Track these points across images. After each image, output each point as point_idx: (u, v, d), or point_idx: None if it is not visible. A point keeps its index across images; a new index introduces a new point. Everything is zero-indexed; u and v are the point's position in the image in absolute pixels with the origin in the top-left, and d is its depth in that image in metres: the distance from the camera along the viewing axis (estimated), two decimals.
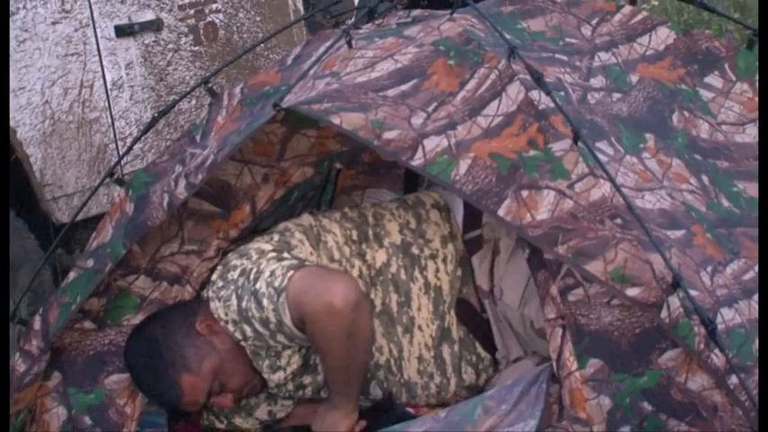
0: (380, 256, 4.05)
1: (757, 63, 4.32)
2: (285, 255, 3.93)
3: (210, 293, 3.99)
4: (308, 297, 3.81)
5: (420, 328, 4.03)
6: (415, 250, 4.07)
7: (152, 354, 4.01)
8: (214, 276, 4.03)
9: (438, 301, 4.03)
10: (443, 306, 4.03)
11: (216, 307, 3.96)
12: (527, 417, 3.55)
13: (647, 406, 3.45)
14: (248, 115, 4.03)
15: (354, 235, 4.07)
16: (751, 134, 4.15)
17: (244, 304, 3.89)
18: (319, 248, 4.02)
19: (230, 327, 3.95)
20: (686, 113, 4.07)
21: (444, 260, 4.07)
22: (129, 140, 5.23)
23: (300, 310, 3.84)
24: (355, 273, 4.02)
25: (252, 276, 3.88)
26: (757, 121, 4.19)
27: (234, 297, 3.91)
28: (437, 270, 4.06)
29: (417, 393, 4.10)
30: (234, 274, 3.92)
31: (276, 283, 3.83)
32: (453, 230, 4.13)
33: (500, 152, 3.66)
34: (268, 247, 3.97)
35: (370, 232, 4.09)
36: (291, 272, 3.83)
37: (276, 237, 4.02)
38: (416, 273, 4.04)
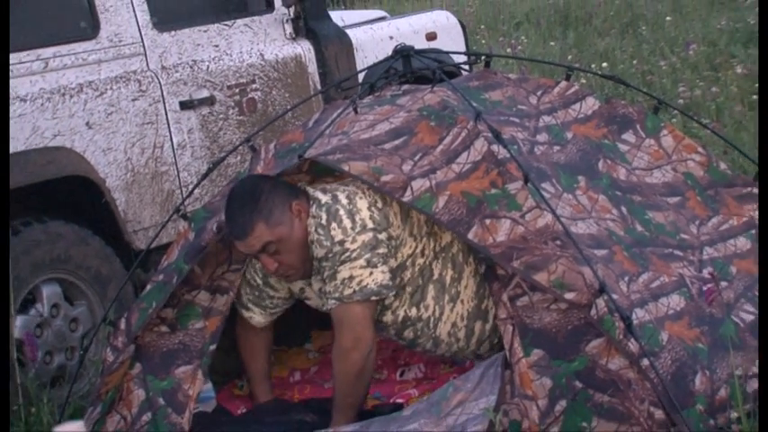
0: (446, 237, 3.90)
1: (661, 124, 4.36)
2: (372, 258, 3.77)
3: (310, 221, 3.84)
4: (347, 329, 3.81)
5: (462, 302, 3.91)
6: None
7: (252, 194, 3.86)
8: (323, 197, 3.85)
9: (480, 286, 3.90)
10: (483, 290, 3.89)
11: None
12: (488, 393, 3.54)
13: (578, 384, 3.45)
14: (280, 165, 4.05)
15: None
16: (657, 177, 4.17)
17: (323, 263, 3.81)
18: (406, 223, 3.86)
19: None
20: (609, 161, 4.09)
21: None
22: (190, 187, 5.23)
23: (337, 324, 3.83)
24: (426, 249, 3.89)
25: (342, 258, 3.76)
26: (663, 166, 4.22)
27: (323, 251, 3.79)
28: (485, 259, 3.86)
29: (441, 348, 4.00)
30: (335, 233, 3.77)
31: (346, 292, 3.77)
32: None
33: (469, 190, 3.69)
34: (370, 223, 3.77)
35: None
36: (358, 299, 3.77)
37: (380, 202, 3.82)
38: (470, 258, 3.90)
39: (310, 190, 3.93)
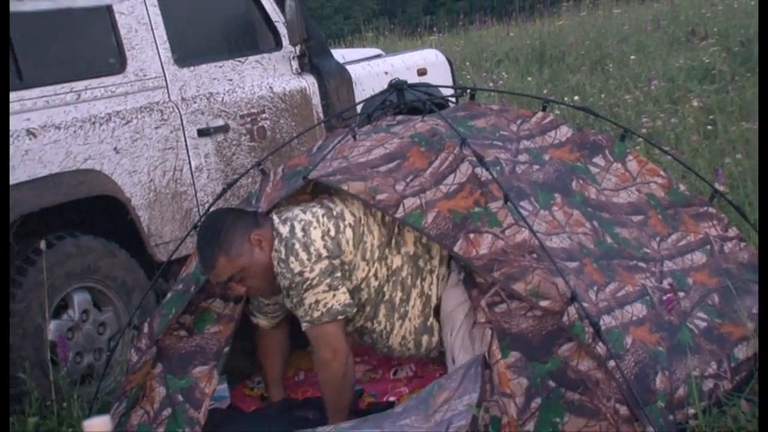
0: (397, 261, 3.90)
1: (627, 150, 4.35)
2: (332, 282, 3.76)
3: (274, 254, 3.80)
4: (324, 345, 3.80)
5: (410, 319, 3.93)
6: (421, 263, 3.92)
7: (214, 231, 3.82)
8: (283, 230, 3.79)
9: (426, 306, 3.92)
10: (428, 309, 3.92)
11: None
12: (471, 391, 3.50)
13: (551, 383, 3.43)
14: (286, 186, 4.04)
15: (384, 240, 3.90)
16: (623, 197, 4.16)
17: (290, 292, 3.79)
18: (359, 248, 3.84)
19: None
20: (581, 181, 4.08)
21: (438, 276, 3.92)
22: (206, 206, 5.23)
23: (314, 342, 3.83)
24: (378, 273, 3.89)
25: (305, 286, 3.74)
26: (629, 188, 4.21)
27: (287, 281, 3.77)
28: (431, 283, 3.92)
29: (395, 354, 4.04)
30: (294, 266, 3.75)
31: (315, 315, 3.77)
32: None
33: (455, 208, 3.68)
34: (324, 252, 3.75)
35: (393, 240, 3.92)
36: (327, 320, 3.77)
37: (332, 230, 3.79)
38: (418, 281, 3.91)
39: (275, 220, 3.87)
